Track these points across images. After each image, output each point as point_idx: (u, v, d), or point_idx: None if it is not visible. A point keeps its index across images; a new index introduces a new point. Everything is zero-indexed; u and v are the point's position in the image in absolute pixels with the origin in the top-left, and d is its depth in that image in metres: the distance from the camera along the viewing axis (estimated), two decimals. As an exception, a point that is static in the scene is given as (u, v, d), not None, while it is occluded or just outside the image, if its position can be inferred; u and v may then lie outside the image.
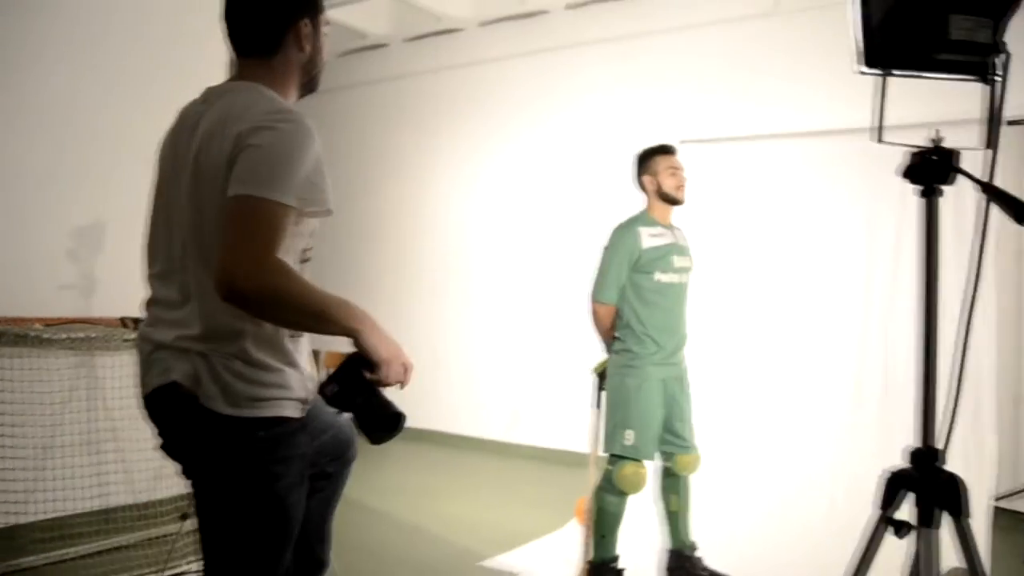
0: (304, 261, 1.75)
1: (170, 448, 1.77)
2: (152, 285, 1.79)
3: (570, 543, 4.41)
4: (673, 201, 3.67)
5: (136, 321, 3.92)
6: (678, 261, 3.64)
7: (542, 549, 4.34)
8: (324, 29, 1.84)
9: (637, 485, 3.55)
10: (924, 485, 1.58)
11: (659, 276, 3.59)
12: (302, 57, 1.80)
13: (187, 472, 1.77)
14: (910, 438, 4.50)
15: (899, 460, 4.41)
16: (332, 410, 1.99)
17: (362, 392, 1.62)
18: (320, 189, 1.62)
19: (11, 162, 3.99)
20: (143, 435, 4.20)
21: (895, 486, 1.62)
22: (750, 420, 4.96)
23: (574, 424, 6.39)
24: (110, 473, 4.22)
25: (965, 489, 1.57)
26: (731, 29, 5.87)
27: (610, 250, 3.66)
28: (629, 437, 3.54)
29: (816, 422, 4.88)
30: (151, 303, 1.78)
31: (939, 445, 1.60)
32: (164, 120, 4.13)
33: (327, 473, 1.99)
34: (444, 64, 7.33)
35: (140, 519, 4.14)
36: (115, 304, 4.11)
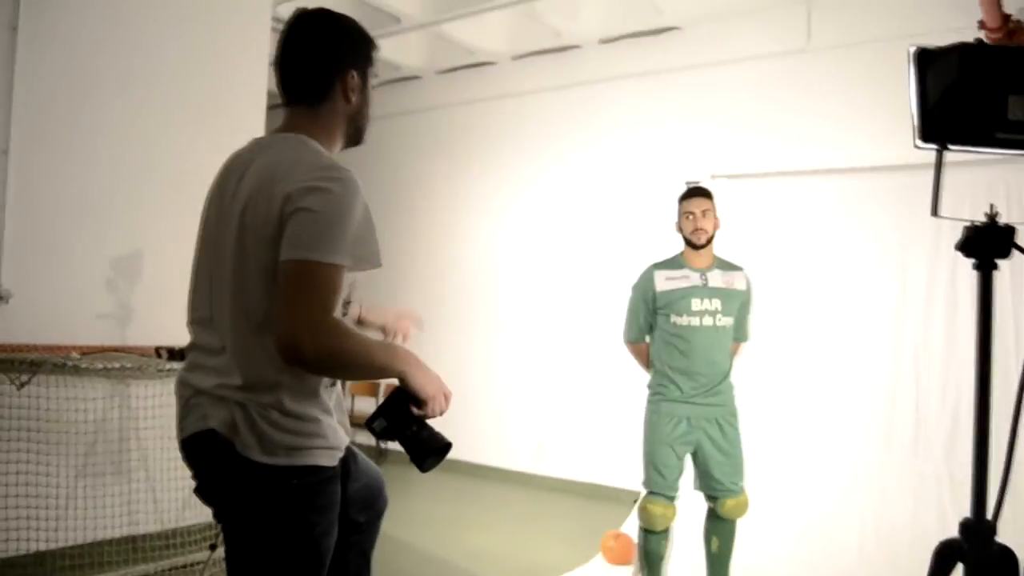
0: (344, 313, 1.77)
1: (205, 492, 1.79)
2: (193, 330, 1.82)
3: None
4: (690, 244, 3.71)
5: (170, 351, 3.98)
6: (699, 304, 3.63)
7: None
8: (372, 82, 1.87)
9: (652, 521, 3.58)
10: (976, 559, 1.55)
11: (675, 319, 3.64)
12: (348, 108, 1.82)
13: (219, 516, 1.80)
14: (940, 476, 4.46)
15: (929, 497, 4.38)
16: (365, 458, 2.02)
17: (410, 425, 1.70)
18: (369, 243, 1.65)
19: (56, 192, 4.08)
20: (172, 464, 4.28)
21: (946, 559, 1.59)
22: (783, 455, 4.91)
23: (600, 457, 6.38)
24: (139, 501, 4.25)
25: (1017, 564, 1.54)
26: (763, 65, 5.87)
27: (631, 291, 3.85)
28: (648, 472, 3.64)
29: (846, 457, 4.85)
30: (191, 348, 1.81)
31: (989, 515, 1.56)
32: (206, 156, 4.22)
33: (358, 523, 1.99)
34: (477, 96, 7.38)
35: (167, 547, 4.16)
36: (149, 333, 4.18)
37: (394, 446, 1.73)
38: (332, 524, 1.74)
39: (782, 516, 4.56)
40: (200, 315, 1.79)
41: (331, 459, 1.72)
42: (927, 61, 1.51)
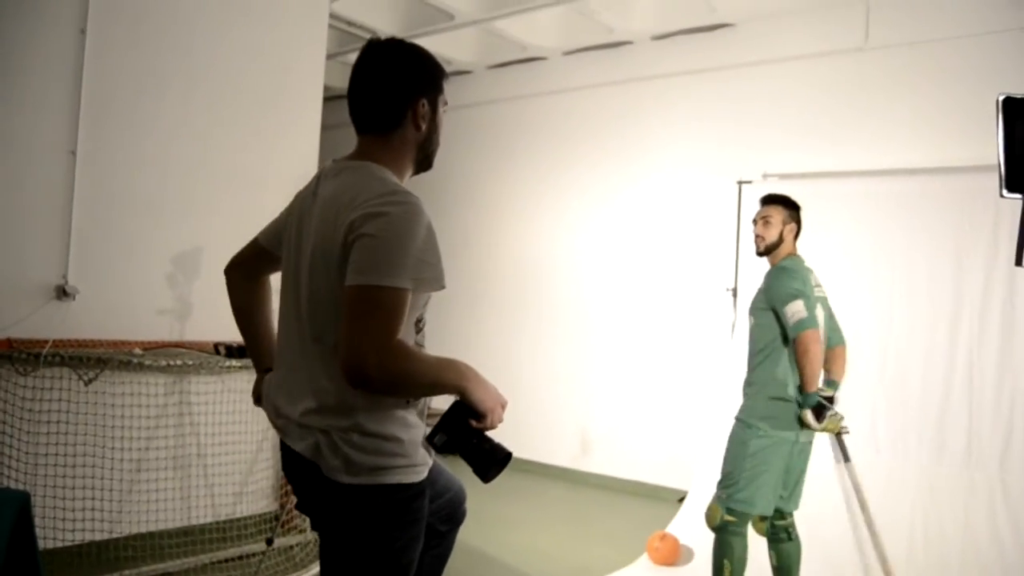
0: (419, 331, 1.80)
1: (301, 504, 1.88)
2: (277, 345, 1.90)
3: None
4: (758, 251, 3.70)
5: (228, 348, 4.06)
6: (752, 305, 3.65)
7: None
8: (442, 109, 1.89)
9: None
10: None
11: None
12: (418, 136, 1.85)
13: (315, 526, 1.87)
14: (993, 486, 4.40)
15: (980, 507, 4.32)
16: (448, 472, 2.06)
17: (470, 438, 1.74)
18: (432, 266, 1.67)
19: (119, 190, 4.18)
20: (226, 457, 4.37)
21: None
22: (832, 460, 4.86)
23: (646, 455, 6.39)
24: (195, 493, 4.35)
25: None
26: (819, 64, 5.79)
27: None
28: None
29: (897, 464, 4.79)
30: (278, 362, 1.89)
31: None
32: (263, 153, 4.29)
33: (439, 532, 2.05)
34: (527, 92, 7.37)
35: (222, 539, 4.26)
36: (207, 329, 4.28)
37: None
38: (417, 538, 1.78)
39: (830, 523, 4.53)
40: (283, 332, 1.87)
41: (416, 475, 1.75)
42: (1015, 110, 1.49)
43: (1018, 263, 1.55)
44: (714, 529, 3.52)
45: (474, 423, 1.72)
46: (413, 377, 1.61)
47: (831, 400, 3.54)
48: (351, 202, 1.66)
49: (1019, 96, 1.53)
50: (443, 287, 1.70)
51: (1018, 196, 1.50)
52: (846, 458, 3.67)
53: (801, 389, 3.40)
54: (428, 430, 1.79)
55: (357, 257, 1.60)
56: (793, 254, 3.63)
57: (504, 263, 7.51)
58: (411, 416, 1.77)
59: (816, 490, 3.69)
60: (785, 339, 3.45)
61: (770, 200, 3.70)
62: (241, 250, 2.09)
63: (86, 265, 3.99)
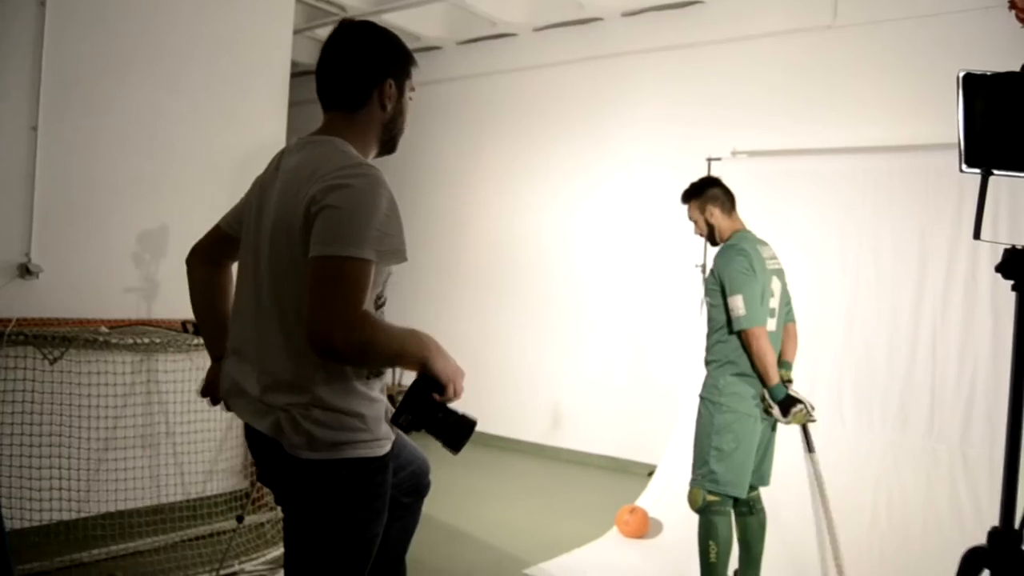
0: (379, 308, 1.79)
1: (264, 479, 1.90)
2: (233, 323, 1.89)
3: (612, 552, 4.46)
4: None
5: (196, 325, 4.03)
6: (705, 287, 3.65)
7: (585, 558, 4.38)
8: (409, 94, 1.92)
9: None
10: (1002, 566, 1.58)
11: None
12: (383, 116, 1.87)
13: (278, 500, 1.88)
14: (954, 457, 4.48)
15: (942, 477, 4.40)
16: (412, 445, 2.07)
17: (435, 413, 1.75)
18: (393, 238, 1.67)
19: (84, 167, 4.12)
20: (195, 436, 4.35)
21: (973, 564, 1.63)
22: (795, 435, 4.94)
23: (615, 430, 6.45)
24: (165, 472, 4.33)
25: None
26: (788, 41, 5.82)
27: None
28: None
29: (861, 437, 4.87)
30: (233, 343, 1.88)
31: (1017, 524, 1.59)
32: (230, 132, 4.21)
33: (403, 503, 2.07)
34: (497, 68, 7.35)
35: (192, 517, 4.25)
36: (175, 307, 4.24)
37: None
38: (381, 512, 1.80)
39: (794, 497, 4.60)
40: (238, 307, 1.87)
41: (379, 449, 1.76)
42: (975, 86, 1.51)
43: (976, 236, 1.58)
44: (697, 511, 3.48)
45: (437, 396, 1.73)
46: (378, 347, 1.62)
47: (789, 382, 3.50)
48: (312, 175, 1.67)
49: (979, 72, 1.55)
50: (405, 259, 1.71)
51: (977, 171, 1.53)
52: (810, 448, 3.67)
53: (763, 381, 3.39)
54: (391, 409, 1.80)
55: (320, 228, 1.60)
56: (738, 229, 3.56)
57: (473, 240, 7.50)
58: (373, 391, 1.78)
59: (781, 474, 3.71)
60: None
61: (683, 201, 3.65)
62: (203, 237, 2.08)
63: (49, 243, 3.94)
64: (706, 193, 3.58)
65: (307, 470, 1.70)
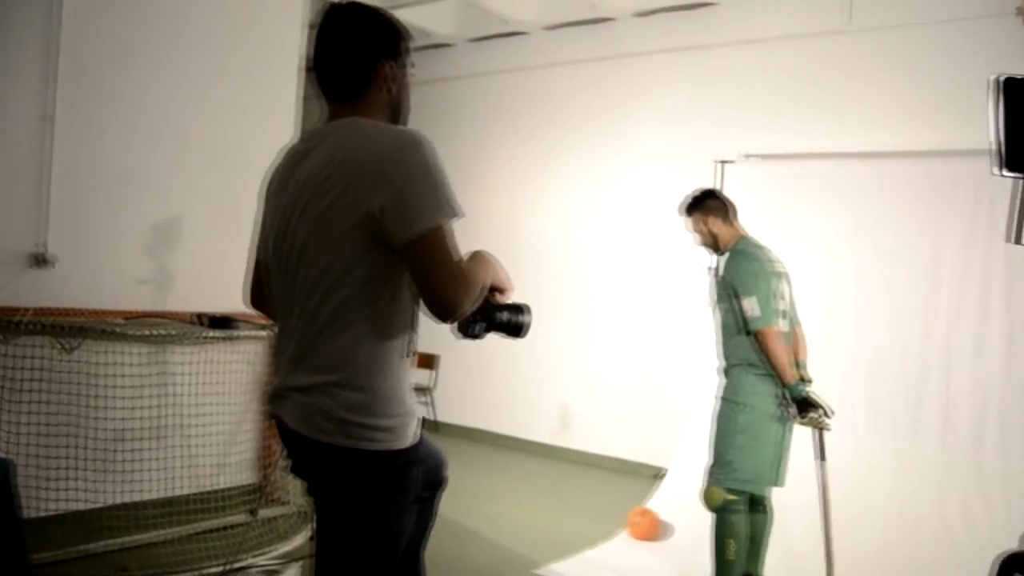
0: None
1: (296, 468, 1.86)
2: (279, 328, 1.87)
3: (622, 554, 4.45)
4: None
5: (211, 318, 4.02)
6: (715, 295, 3.67)
7: (595, 559, 4.36)
8: (410, 70, 1.89)
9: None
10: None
11: None
12: (388, 98, 1.84)
13: (310, 491, 1.86)
14: (968, 464, 4.45)
15: (955, 484, 4.37)
16: (429, 439, 2.05)
17: (499, 313, 1.92)
18: (452, 192, 1.72)
19: (100, 158, 4.11)
20: (207, 428, 4.34)
21: (1009, 569, 1.61)
22: (808, 441, 4.93)
23: (623, 431, 6.44)
24: (176, 464, 4.32)
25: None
26: (801, 45, 5.82)
27: None
28: None
29: (873, 444, 4.86)
30: (279, 343, 1.86)
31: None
32: (243, 123, 4.18)
33: (421, 497, 2.04)
34: (508, 66, 7.34)
35: (203, 510, 4.23)
36: (188, 299, 4.23)
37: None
38: (408, 508, 1.80)
39: (806, 502, 4.59)
40: (280, 320, 1.84)
41: (409, 439, 1.75)
42: (1016, 90, 1.49)
43: (1017, 241, 1.57)
44: (714, 510, 3.50)
45: (498, 296, 1.91)
46: (478, 287, 1.74)
47: (808, 382, 3.54)
48: (358, 157, 1.66)
49: (1019, 76, 1.55)
50: (463, 214, 1.74)
51: (1016, 175, 1.52)
52: (822, 456, 3.69)
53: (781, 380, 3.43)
54: (460, 334, 1.89)
55: (398, 214, 1.62)
56: (741, 236, 3.61)
57: (482, 239, 7.31)
58: (405, 382, 1.77)
59: (792, 478, 3.70)
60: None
61: (683, 214, 3.69)
62: (252, 280, 2.03)
63: (65, 233, 3.93)
64: (706, 204, 3.64)
65: (339, 458, 1.69)
